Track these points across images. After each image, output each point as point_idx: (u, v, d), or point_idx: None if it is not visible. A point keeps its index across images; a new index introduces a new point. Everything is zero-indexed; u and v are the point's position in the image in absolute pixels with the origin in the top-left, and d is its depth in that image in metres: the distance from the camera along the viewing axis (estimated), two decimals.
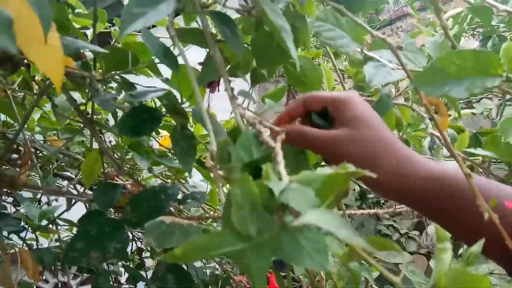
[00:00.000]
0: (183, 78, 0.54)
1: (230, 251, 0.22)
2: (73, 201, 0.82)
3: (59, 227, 0.91)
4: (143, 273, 1.13)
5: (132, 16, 0.26)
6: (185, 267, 0.76)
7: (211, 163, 0.28)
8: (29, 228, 0.77)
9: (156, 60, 0.54)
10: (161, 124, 0.43)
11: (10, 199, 0.91)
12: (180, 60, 0.46)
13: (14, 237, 0.87)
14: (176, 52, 0.39)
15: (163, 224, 0.44)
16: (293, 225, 0.22)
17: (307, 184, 0.23)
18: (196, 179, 1.08)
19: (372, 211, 0.95)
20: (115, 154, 0.67)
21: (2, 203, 0.72)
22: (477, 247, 0.28)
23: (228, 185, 0.28)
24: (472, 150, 0.53)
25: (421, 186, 0.36)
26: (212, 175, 0.27)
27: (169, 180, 0.99)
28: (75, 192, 0.78)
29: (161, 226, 0.44)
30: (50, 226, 0.77)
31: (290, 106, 0.43)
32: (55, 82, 0.36)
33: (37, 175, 0.80)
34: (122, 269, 1.14)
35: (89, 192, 0.82)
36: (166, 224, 0.45)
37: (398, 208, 0.97)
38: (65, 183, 0.97)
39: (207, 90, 0.55)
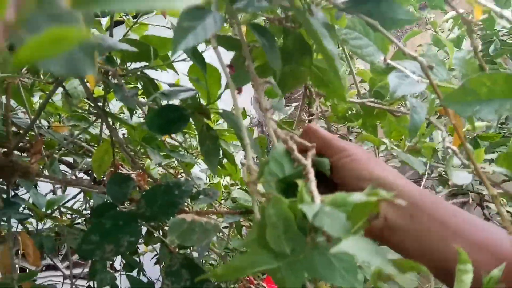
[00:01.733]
0: (210, 78, 0.54)
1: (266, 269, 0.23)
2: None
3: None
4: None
5: (183, 31, 0.26)
6: None
7: (248, 177, 0.29)
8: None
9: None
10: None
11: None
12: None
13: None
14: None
15: (185, 222, 0.45)
16: (327, 248, 0.23)
17: (339, 206, 0.24)
18: (194, 171, 1.09)
19: None
20: (128, 146, 0.67)
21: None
22: (498, 271, 0.29)
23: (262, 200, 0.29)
24: (485, 165, 0.54)
25: None
26: (250, 188, 0.28)
27: (171, 170, 0.99)
28: (75, 179, 0.78)
29: (183, 225, 0.45)
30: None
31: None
32: (89, 80, 0.36)
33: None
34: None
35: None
36: (187, 223, 0.45)
37: None
38: (68, 171, 0.96)
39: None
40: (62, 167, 1.03)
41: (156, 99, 0.43)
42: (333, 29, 0.42)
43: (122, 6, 0.12)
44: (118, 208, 0.59)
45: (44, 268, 1.67)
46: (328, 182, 0.40)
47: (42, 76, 0.70)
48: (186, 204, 0.75)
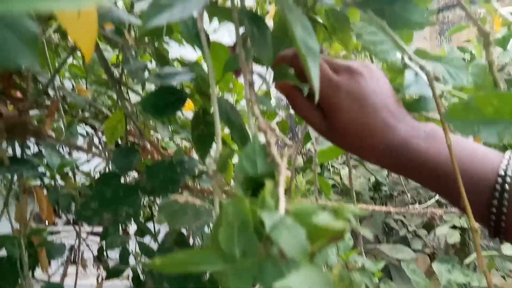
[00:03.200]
0: (214, 57, 0.53)
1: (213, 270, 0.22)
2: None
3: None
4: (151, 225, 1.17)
5: (158, 7, 0.25)
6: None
7: (212, 171, 0.28)
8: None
9: None
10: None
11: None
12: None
13: None
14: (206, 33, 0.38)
15: (177, 204, 0.45)
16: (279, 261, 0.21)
17: (304, 217, 0.22)
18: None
19: (383, 208, 0.94)
20: (139, 117, 0.67)
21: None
22: None
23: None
24: None
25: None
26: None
27: (188, 144, 1.00)
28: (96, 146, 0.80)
29: (174, 206, 0.45)
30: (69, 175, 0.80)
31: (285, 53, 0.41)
32: (85, 53, 0.36)
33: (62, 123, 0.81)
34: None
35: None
36: (179, 204, 0.45)
37: (411, 209, 0.96)
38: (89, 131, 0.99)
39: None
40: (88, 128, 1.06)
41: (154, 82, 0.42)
42: (346, 18, 0.39)
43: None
44: (121, 179, 0.60)
45: (65, 223, 1.75)
46: None
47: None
48: (193, 182, 0.76)
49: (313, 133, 0.77)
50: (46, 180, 1.00)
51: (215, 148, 0.28)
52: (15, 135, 0.56)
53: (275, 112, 1.06)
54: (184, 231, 0.88)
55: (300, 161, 1.48)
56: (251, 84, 0.30)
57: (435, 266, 1.24)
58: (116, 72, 0.64)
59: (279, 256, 0.21)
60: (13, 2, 0.11)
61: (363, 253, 0.67)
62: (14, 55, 0.15)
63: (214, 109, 0.28)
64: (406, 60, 0.46)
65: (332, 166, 1.77)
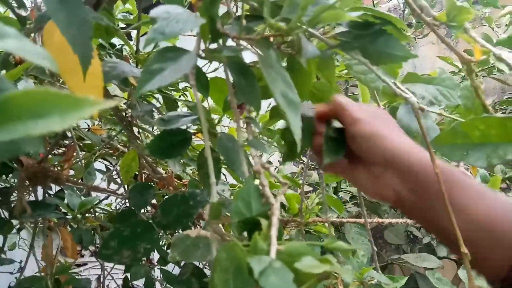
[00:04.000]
0: (217, 90, 0.55)
1: None
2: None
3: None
4: None
5: (150, 74, 0.28)
6: None
7: (207, 218, 0.30)
8: None
9: None
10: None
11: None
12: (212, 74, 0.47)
13: None
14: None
15: (188, 238, 0.47)
16: None
17: (294, 256, 0.24)
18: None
19: (403, 220, 0.94)
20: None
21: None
22: None
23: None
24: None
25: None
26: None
27: None
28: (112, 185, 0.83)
29: (186, 241, 0.47)
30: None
31: (321, 109, 0.43)
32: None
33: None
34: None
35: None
36: (191, 239, 0.47)
37: None
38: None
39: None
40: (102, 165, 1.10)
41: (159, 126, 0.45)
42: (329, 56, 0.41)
43: None
44: (138, 215, 0.63)
45: (93, 254, 1.79)
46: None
47: None
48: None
49: None
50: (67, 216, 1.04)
51: (212, 195, 0.30)
52: (37, 183, 0.59)
53: None
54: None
55: (315, 177, 1.49)
56: (240, 128, 0.32)
57: (461, 272, 1.22)
58: (127, 112, 0.67)
59: None
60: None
61: (378, 269, 0.67)
62: (22, 143, 0.18)
63: (207, 155, 0.30)
64: (395, 88, 0.48)
65: None
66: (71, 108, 0.14)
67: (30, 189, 0.67)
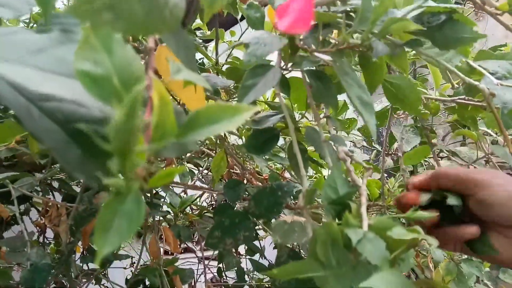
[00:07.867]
0: (296, 88, 0.61)
1: (316, 276, 0.29)
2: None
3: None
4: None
5: (246, 89, 0.34)
6: None
7: (301, 203, 0.35)
8: None
9: None
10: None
11: None
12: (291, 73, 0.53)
13: None
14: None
15: (286, 223, 0.53)
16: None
17: (384, 229, 0.28)
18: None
19: None
20: (238, 154, 0.78)
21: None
22: None
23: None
24: None
25: None
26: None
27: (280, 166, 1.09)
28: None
29: (284, 226, 0.53)
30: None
31: (417, 179, 0.43)
32: None
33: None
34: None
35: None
36: (288, 224, 0.53)
37: None
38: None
39: None
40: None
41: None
42: (401, 47, 0.45)
43: None
44: (234, 208, 0.71)
45: (182, 251, 1.95)
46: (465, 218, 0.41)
47: None
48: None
49: (397, 134, 0.81)
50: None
51: (303, 184, 0.36)
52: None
53: (355, 119, 1.11)
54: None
55: (390, 162, 1.48)
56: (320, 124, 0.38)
57: None
58: None
59: (366, 263, 0.28)
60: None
61: None
62: (190, 145, 0.24)
63: (295, 148, 0.36)
64: (471, 62, 0.49)
65: (426, 161, 1.71)
66: (235, 115, 0.20)
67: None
